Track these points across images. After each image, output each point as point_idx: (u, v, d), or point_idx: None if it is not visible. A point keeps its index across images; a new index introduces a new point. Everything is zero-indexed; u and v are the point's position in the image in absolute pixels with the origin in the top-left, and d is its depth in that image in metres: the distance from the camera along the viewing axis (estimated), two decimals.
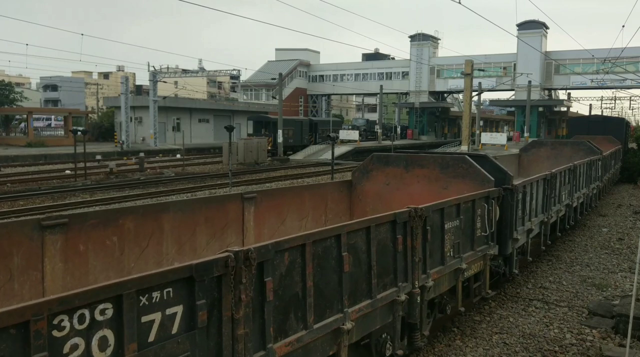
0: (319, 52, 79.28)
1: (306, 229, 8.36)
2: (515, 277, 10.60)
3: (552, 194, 11.87)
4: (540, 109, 60.94)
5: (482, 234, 8.11)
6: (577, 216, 15.22)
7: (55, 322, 2.87)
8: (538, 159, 18.29)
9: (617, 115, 60.02)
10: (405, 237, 6.07)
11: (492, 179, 8.53)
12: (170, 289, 3.44)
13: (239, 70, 49.14)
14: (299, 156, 43.99)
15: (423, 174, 9.23)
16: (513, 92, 60.36)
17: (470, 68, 34.09)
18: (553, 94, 64.70)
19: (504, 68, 62.54)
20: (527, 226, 10.16)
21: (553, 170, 11.89)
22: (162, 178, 27.78)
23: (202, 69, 65.98)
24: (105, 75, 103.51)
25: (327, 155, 39.27)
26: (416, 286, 6.33)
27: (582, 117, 49.75)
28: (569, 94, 68.51)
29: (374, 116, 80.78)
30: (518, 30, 59.15)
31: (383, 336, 5.92)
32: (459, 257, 7.44)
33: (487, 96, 74.31)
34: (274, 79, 48.43)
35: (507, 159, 18.28)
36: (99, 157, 35.91)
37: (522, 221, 9.83)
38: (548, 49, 61.33)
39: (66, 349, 2.94)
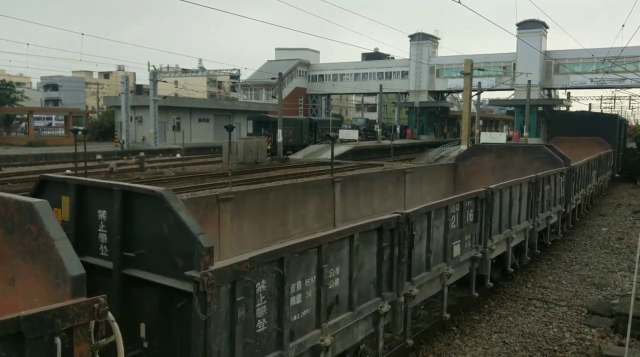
0: (318, 52, 79.22)
1: None
2: (515, 277, 10.57)
3: (414, 254, 6.34)
4: (540, 108, 60.92)
5: None
6: (507, 268, 9.87)
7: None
8: (480, 170, 13.87)
9: (616, 114, 59.53)
10: None
11: (72, 274, 3.06)
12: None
13: (238, 70, 49.10)
14: (299, 156, 44.01)
15: None
16: (513, 92, 60.33)
17: (469, 68, 34.10)
18: (553, 93, 64.67)
19: (504, 68, 62.50)
20: (298, 349, 4.53)
21: (412, 209, 6.32)
22: (162, 178, 27.82)
23: (202, 69, 65.85)
24: (106, 75, 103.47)
25: (326, 155, 39.27)
26: None
27: (567, 114, 42.32)
28: (569, 93, 68.47)
29: (373, 116, 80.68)
30: (518, 29, 59.12)
31: None
32: None
33: (486, 96, 74.36)
34: (274, 78, 48.36)
35: (439, 171, 14.01)
36: (99, 156, 35.94)
37: (273, 342, 4.31)
38: (548, 49, 61.32)
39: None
